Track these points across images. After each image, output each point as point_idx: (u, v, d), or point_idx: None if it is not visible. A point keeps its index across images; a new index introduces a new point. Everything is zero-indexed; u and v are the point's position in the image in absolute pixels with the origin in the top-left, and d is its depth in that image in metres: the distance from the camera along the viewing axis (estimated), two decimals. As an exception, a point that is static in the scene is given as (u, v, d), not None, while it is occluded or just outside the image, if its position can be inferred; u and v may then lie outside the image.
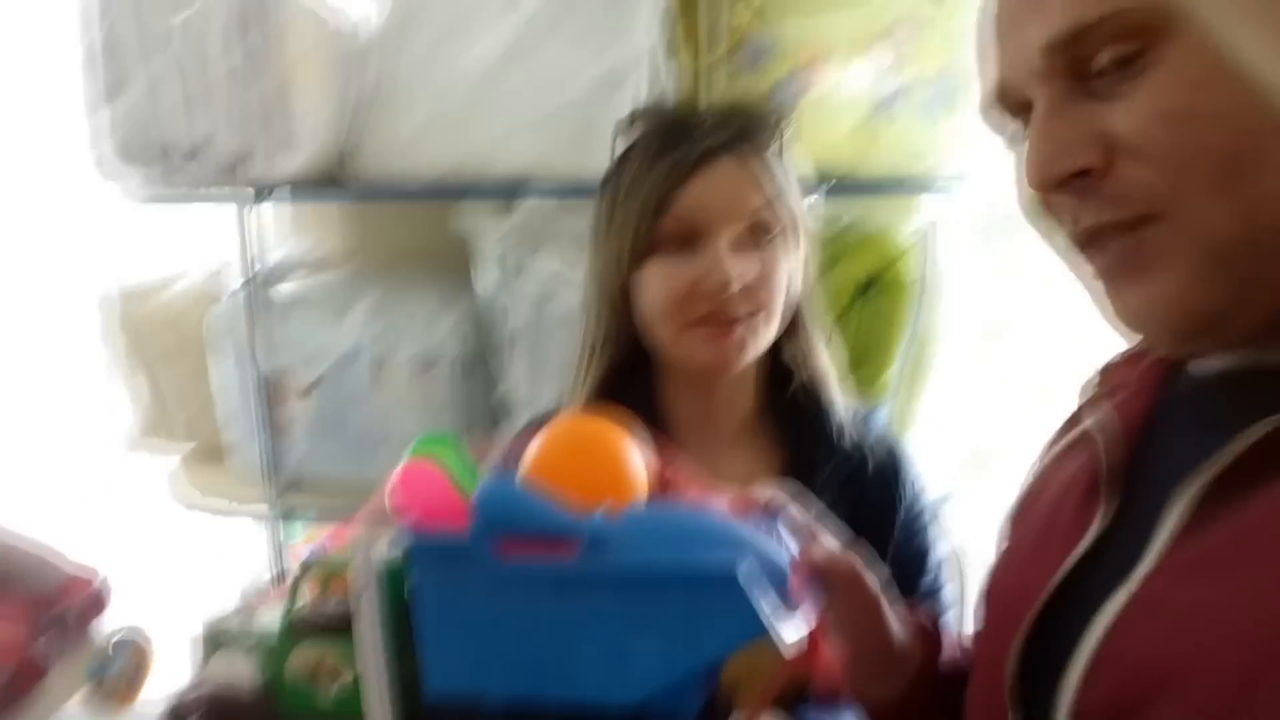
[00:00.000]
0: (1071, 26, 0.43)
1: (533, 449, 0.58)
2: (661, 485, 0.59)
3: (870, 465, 0.82)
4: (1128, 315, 0.46)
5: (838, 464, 0.81)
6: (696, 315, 0.77)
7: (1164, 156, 0.42)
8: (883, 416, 0.87)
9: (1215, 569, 0.42)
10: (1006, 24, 0.47)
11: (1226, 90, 0.41)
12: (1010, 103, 0.48)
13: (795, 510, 0.62)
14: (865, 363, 1.24)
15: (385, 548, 0.59)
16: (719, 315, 0.77)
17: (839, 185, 1.19)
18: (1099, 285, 0.48)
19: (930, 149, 1.27)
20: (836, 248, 1.22)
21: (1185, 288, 0.43)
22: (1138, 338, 0.48)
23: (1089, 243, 0.46)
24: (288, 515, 1.44)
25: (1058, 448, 0.60)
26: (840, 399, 0.85)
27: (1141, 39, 0.42)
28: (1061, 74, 0.44)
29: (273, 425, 1.40)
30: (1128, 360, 0.58)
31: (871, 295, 1.22)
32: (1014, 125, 0.49)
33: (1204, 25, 0.41)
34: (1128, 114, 0.42)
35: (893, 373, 1.25)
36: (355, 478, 1.38)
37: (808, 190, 0.84)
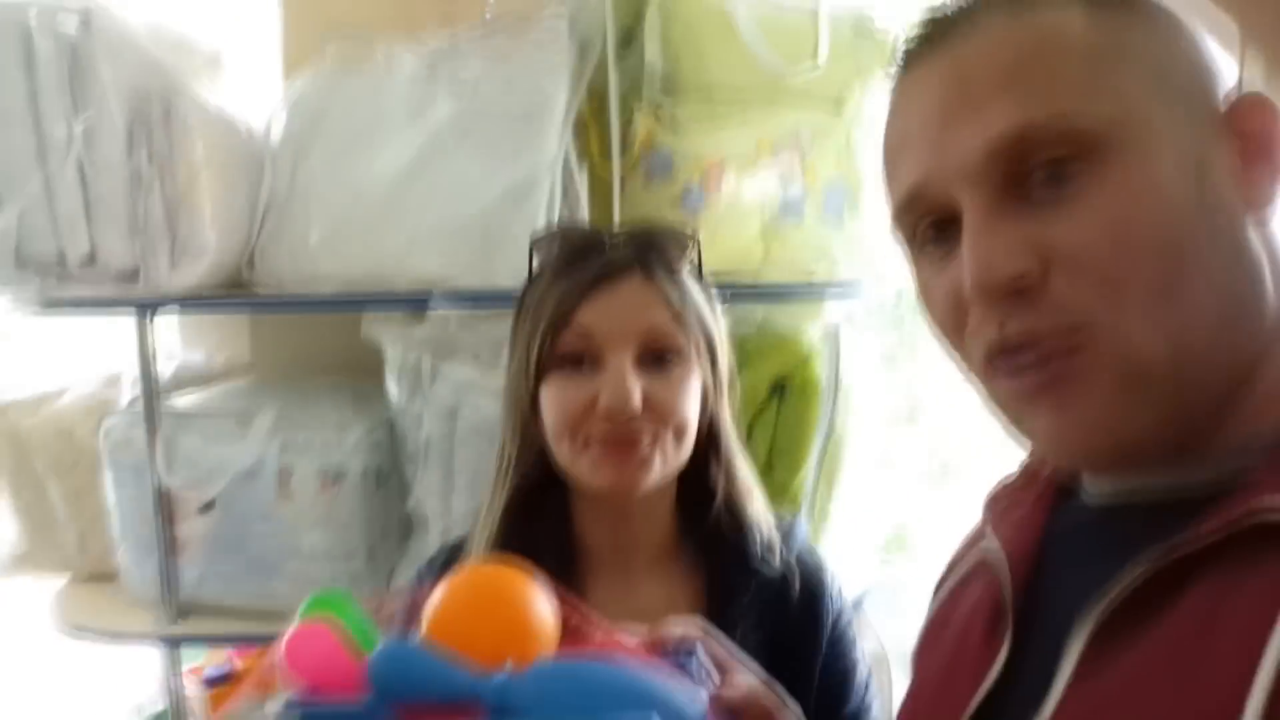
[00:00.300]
0: (1019, 126, 0.42)
1: (432, 604, 0.55)
2: (569, 634, 0.57)
3: (792, 586, 0.81)
4: (1046, 437, 0.45)
5: (759, 587, 0.79)
6: (594, 435, 0.75)
7: (1101, 271, 0.42)
8: (803, 530, 0.87)
9: (1114, 711, 0.42)
10: (933, 126, 0.45)
11: (1164, 211, 0.42)
12: (927, 207, 0.47)
13: (710, 646, 0.61)
14: (780, 465, 1.25)
15: None
16: (619, 435, 0.74)
17: (745, 291, 1.22)
18: (1011, 403, 0.47)
19: (834, 252, 1.31)
20: (745, 352, 1.24)
21: (1108, 411, 0.43)
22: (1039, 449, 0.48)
23: (1012, 354, 0.45)
24: (183, 641, 1.34)
25: (955, 577, 0.60)
26: (764, 515, 0.83)
27: (1083, 148, 0.42)
28: (998, 178, 0.44)
29: (168, 544, 1.32)
30: (1013, 486, 0.59)
31: (784, 398, 1.23)
32: (925, 231, 0.48)
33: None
34: (1067, 226, 0.42)
35: (808, 473, 1.26)
36: (256, 600, 1.31)
37: (716, 301, 0.84)
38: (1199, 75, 0.45)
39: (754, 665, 0.64)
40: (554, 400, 0.77)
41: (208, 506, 1.31)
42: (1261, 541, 0.38)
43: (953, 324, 0.48)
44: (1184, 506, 0.44)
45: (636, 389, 0.74)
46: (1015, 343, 0.44)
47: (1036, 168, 0.43)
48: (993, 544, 0.54)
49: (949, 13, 0.47)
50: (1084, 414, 0.43)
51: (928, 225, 0.48)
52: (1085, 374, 0.43)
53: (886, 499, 1.63)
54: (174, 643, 1.35)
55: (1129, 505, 0.48)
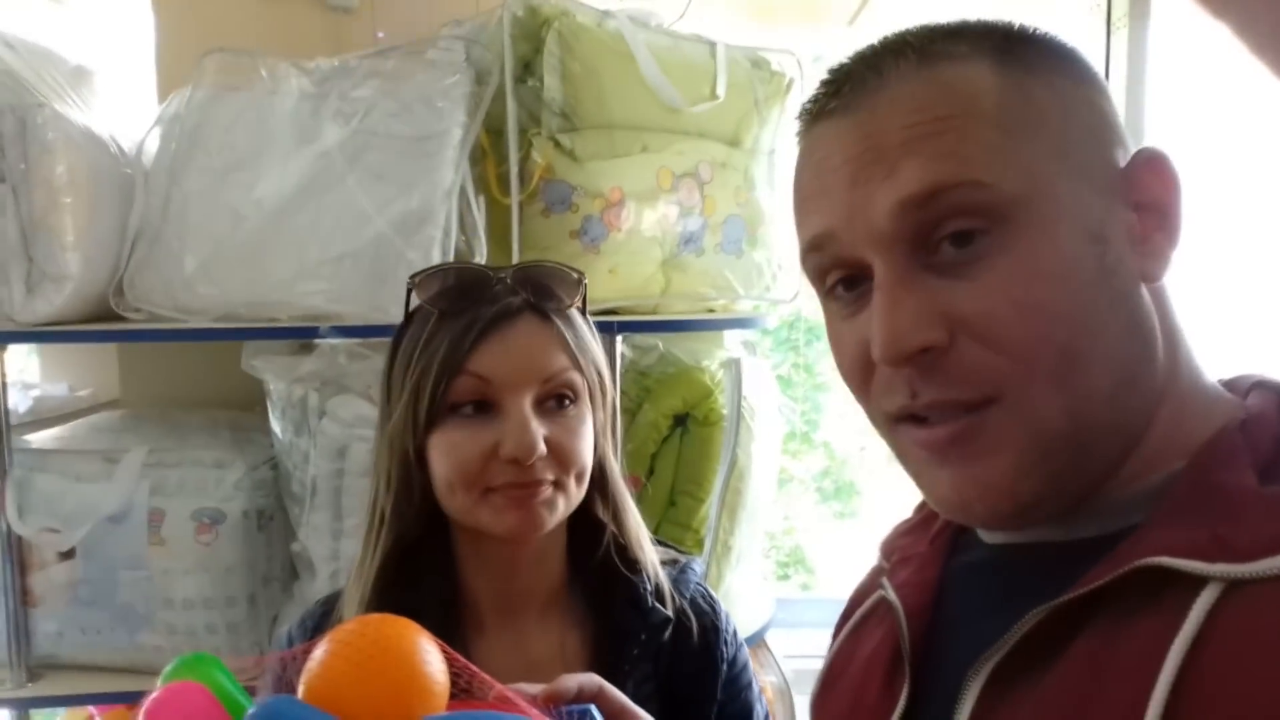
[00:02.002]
0: (929, 188, 0.43)
1: (312, 662, 0.51)
2: (459, 694, 0.54)
3: (687, 626, 0.79)
4: (948, 492, 0.46)
5: (653, 629, 0.77)
6: (496, 482, 0.72)
7: (1008, 343, 0.42)
8: (698, 571, 0.85)
9: None
10: (844, 183, 0.45)
11: (1068, 283, 0.42)
12: (837, 261, 0.47)
13: (605, 703, 0.59)
14: (684, 498, 1.24)
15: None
16: (522, 481, 0.72)
17: (646, 323, 1.21)
18: (914, 459, 0.47)
19: (733, 283, 1.32)
20: (646, 385, 1.23)
21: (1011, 475, 0.44)
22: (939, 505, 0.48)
23: (923, 416, 0.45)
24: (35, 704, 1.23)
25: (853, 621, 0.60)
26: (653, 556, 0.81)
27: (989, 220, 0.43)
28: (905, 240, 0.44)
29: (20, 596, 1.21)
30: (909, 531, 0.59)
31: (686, 430, 1.23)
32: (834, 276, 0.48)
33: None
34: (973, 297, 0.43)
35: (711, 506, 1.25)
36: (122, 654, 1.21)
37: (611, 335, 0.83)
38: (1098, 139, 0.45)
39: (650, 711, 0.63)
40: (449, 450, 0.73)
41: (67, 554, 1.20)
42: (1146, 587, 0.40)
43: (859, 378, 0.48)
44: (1074, 550, 0.45)
45: (540, 434, 0.72)
46: (925, 414, 0.45)
47: (945, 234, 0.43)
48: (890, 594, 0.54)
49: (857, 66, 0.47)
50: (986, 476, 0.44)
51: (838, 279, 0.48)
52: (990, 439, 0.44)
53: (784, 518, 1.64)
54: (24, 705, 1.23)
55: (1023, 547, 0.49)
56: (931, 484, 0.47)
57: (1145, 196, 0.46)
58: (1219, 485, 0.41)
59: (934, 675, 0.49)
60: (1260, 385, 0.48)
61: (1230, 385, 0.49)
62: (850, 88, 0.46)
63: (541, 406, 0.74)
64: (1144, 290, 0.45)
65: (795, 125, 0.50)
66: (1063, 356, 0.42)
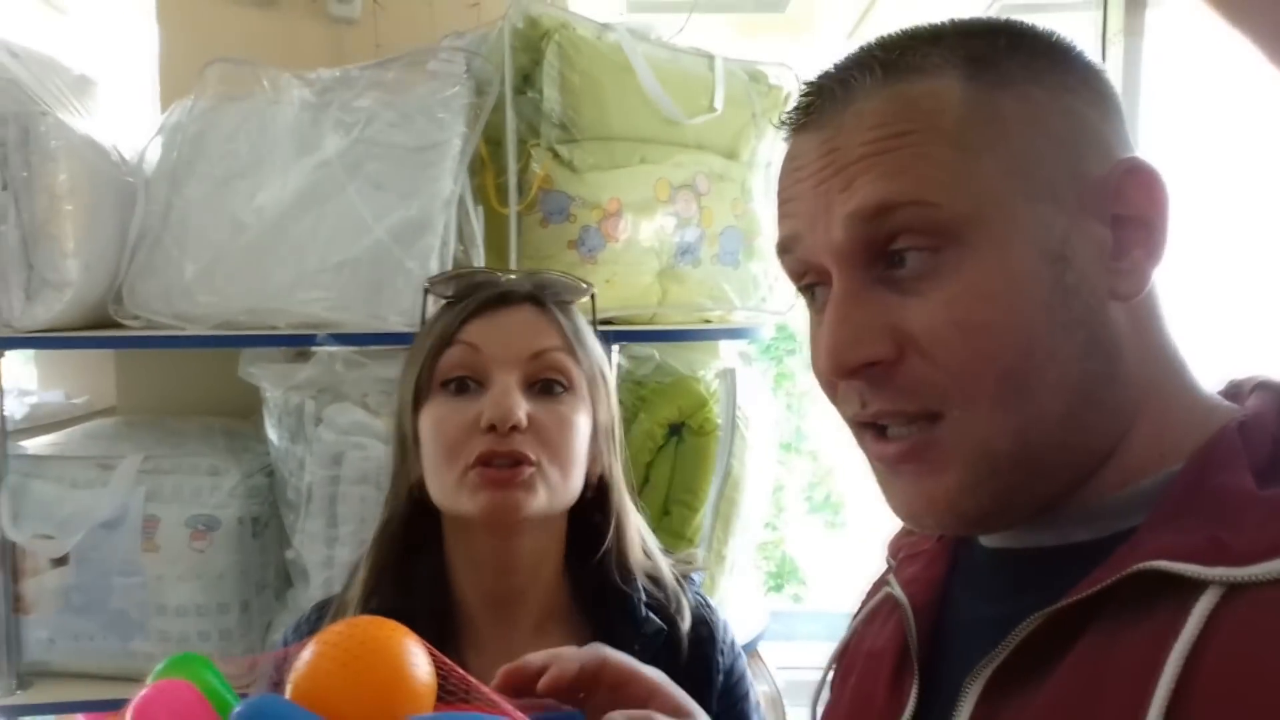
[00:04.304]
0: (877, 203, 0.43)
1: (300, 663, 0.51)
2: (446, 696, 0.54)
3: (682, 642, 0.78)
4: (900, 504, 0.47)
5: (646, 640, 0.77)
6: (476, 454, 0.71)
7: (952, 362, 0.43)
8: (696, 581, 0.85)
9: None
10: (808, 193, 0.46)
11: (1015, 308, 0.43)
12: (803, 266, 0.49)
13: (609, 667, 0.58)
14: (678, 508, 1.24)
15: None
16: (500, 453, 0.71)
17: (642, 333, 1.21)
18: (875, 466, 0.49)
19: (729, 295, 1.33)
20: (642, 395, 1.23)
21: (956, 490, 0.44)
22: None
23: (870, 427, 0.47)
24: (26, 711, 1.22)
25: (860, 616, 0.60)
26: (651, 567, 0.81)
27: (940, 238, 0.43)
28: (859, 252, 0.45)
29: (12, 603, 1.20)
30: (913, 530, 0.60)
31: (681, 439, 1.23)
32: (805, 279, 0.49)
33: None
34: (921, 314, 0.43)
35: (705, 515, 1.25)
36: (114, 661, 1.20)
37: (608, 345, 0.83)
38: (1072, 150, 0.44)
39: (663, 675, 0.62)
40: (435, 425, 0.73)
41: (60, 560, 1.20)
42: (1145, 591, 0.39)
43: (826, 381, 0.49)
44: (1070, 554, 0.45)
45: (522, 405, 0.71)
46: (874, 420, 0.46)
47: (893, 246, 0.44)
48: (897, 591, 0.55)
49: (827, 81, 0.47)
50: (931, 491, 0.45)
51: (807, 281, 0.49)
52: (937, 456, 0.44)
53: (770, 528, 1.64)
54: (14, 713, 1.22)
55: (1019, 551, 0.49)
56: (889, 494, 0.48)
57: (1127, 210, 0.45)
58: (1217, 488, 0.41)
59: (940, 674, 0.49)
60: (1262, 386, 0.47)
61: (1236, 386, 0.49)
62: (820, 102, 0.47)
63: (531, 389, 0.74)
64: (1113, 308, 0.45)
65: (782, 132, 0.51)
66: (1005, 379, 0.43)
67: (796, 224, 0.48)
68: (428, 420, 0.73)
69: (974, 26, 0.46)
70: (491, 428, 0.70)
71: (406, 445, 0.76)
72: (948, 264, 0.43)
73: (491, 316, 0.73)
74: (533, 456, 0.72)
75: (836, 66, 0.48)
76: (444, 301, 0.79)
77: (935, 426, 0.44)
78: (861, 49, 0.48)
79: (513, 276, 0.78)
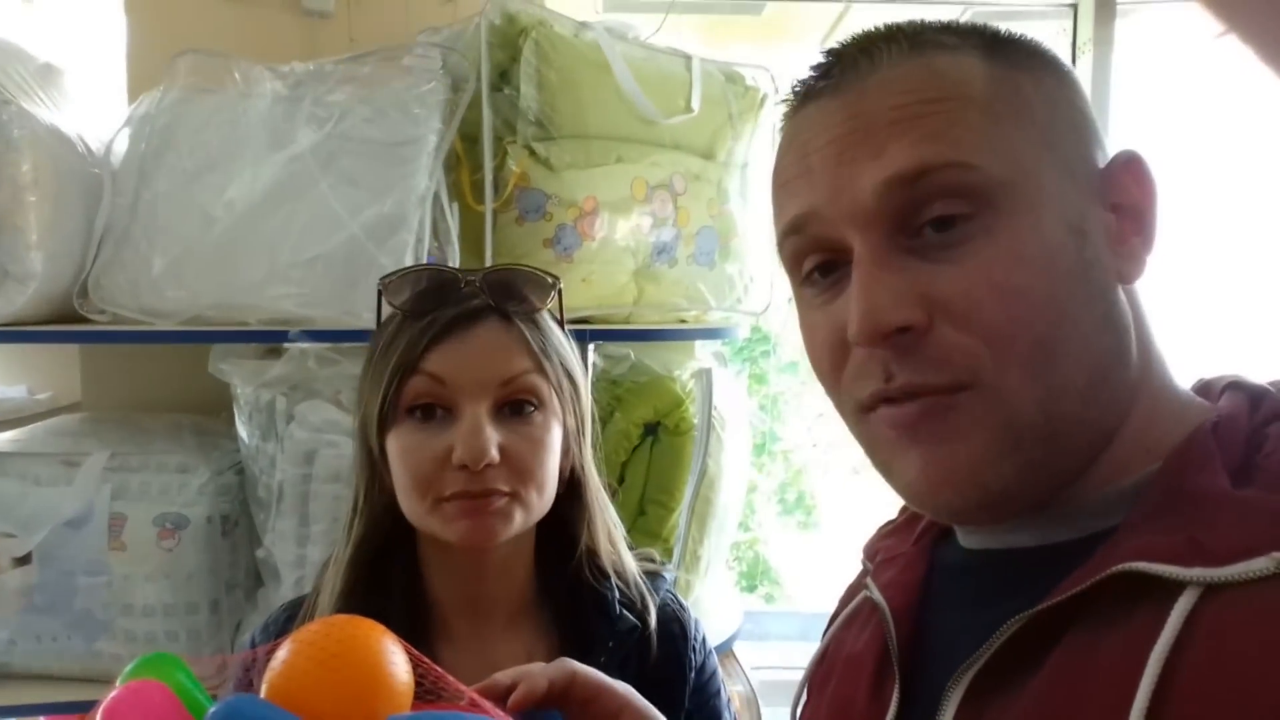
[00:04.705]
0: (915, 168, 0.43)
1: (275, 661, 0.51)
2: (423, 695, 0.54)
3: (653, 639, 0.78)
4: (914, 478, 0.45)
5: (618, 641, 0.77)
6: (448, 491, 0.70)
7: (987, 327, 0.42)
8: (668, 579, 0.85)
9: None
10: (829, 162, 0.45)
11: (1048, 271, 0.43)
12: (815, 243, 0.47)
13: (578, 684, 0.58)
14: (654, 508, 1.24)
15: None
16: (474, 490, 0.70)
17: (618, 332, 1.21)
18: (883, 446, 0.47)
19: (705, 295, 1.33)
20: (617, 395, 1.23)
21: (981, 461, 0.43)
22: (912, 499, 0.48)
23: (894, 403, 0.45)
24: (-12, 714, 1.20)
25: (840, 618, 0.60)
26: (626, 567, 0.81)
27: (976, 203, 0.43)
28: (890, 222, 0.44)
29: (-27, 604, 1.18)
30: (892, 532, 0.60)
31: (657, 439, 1.23)
32: (811, 261, 0.48)
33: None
34: (955, 280, 0.43)
35: (680, 516, 1.26)
36: (79, 663, 1.18)
37: (583, 344, 0.82)
38: (1079, 136, 0.46)
39: (632, 690, 0.62)
40: (404, 455, 0.71)
41: (23, 559, 1.18)
42: (1124, 593, 0.40)
43: (831, 363, 0.48)
44: (1049, 556, 0.45)
45: (494, 440, 0.70)
46: (899, 397, 0.45)
47: (928, 215, 0.43)
48: (875, 594, 0.55)
49: (848, 49, 0.47)
50: (954, 459, 0.44)
51: (815, 264, 0.48)
52: (961, 422, 0.43)
53: (749, 528, 1.65)
54: (-25, 716, 1.20)
55: (999, 553, 0.49)
56: (902, 469, 0.46)
57: (1123, 199, 0.46)
58: (1193, 489, 0.41)
59: (920, 680, 0.49)
60: (1234, 386, 0.48)
61: (1206, 386, 0.50)
62: (841, 70, 0.46)
63: (500, 414, 0.72)
64: (1120, 289, 0.46)
65: (781, 109, 0.50)
66: (1039, 345, 0.42)
67: (812, 198, 0.46)
68: (395, 447, 0.72)
69: (975, 25, 0.48)
70: (464, 465, 0.69)
71: (375, 463, 0.75)
72: (981, 229, 0.43)
73: (456, 341, 0.71)
74: (507, 489, 0.71)
75: (856, 38, 0.48)
76: (399, 306, 0.75)
77: (964, 397, 0.43)
78: (879, 26, 0.47)
79: (472, 278, 0.75)
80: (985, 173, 0.43)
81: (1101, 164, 0.47)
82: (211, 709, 0.48)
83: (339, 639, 0.51)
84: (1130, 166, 0.47)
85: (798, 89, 0.49)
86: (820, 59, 0.48)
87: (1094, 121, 0.48)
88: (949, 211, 0.43)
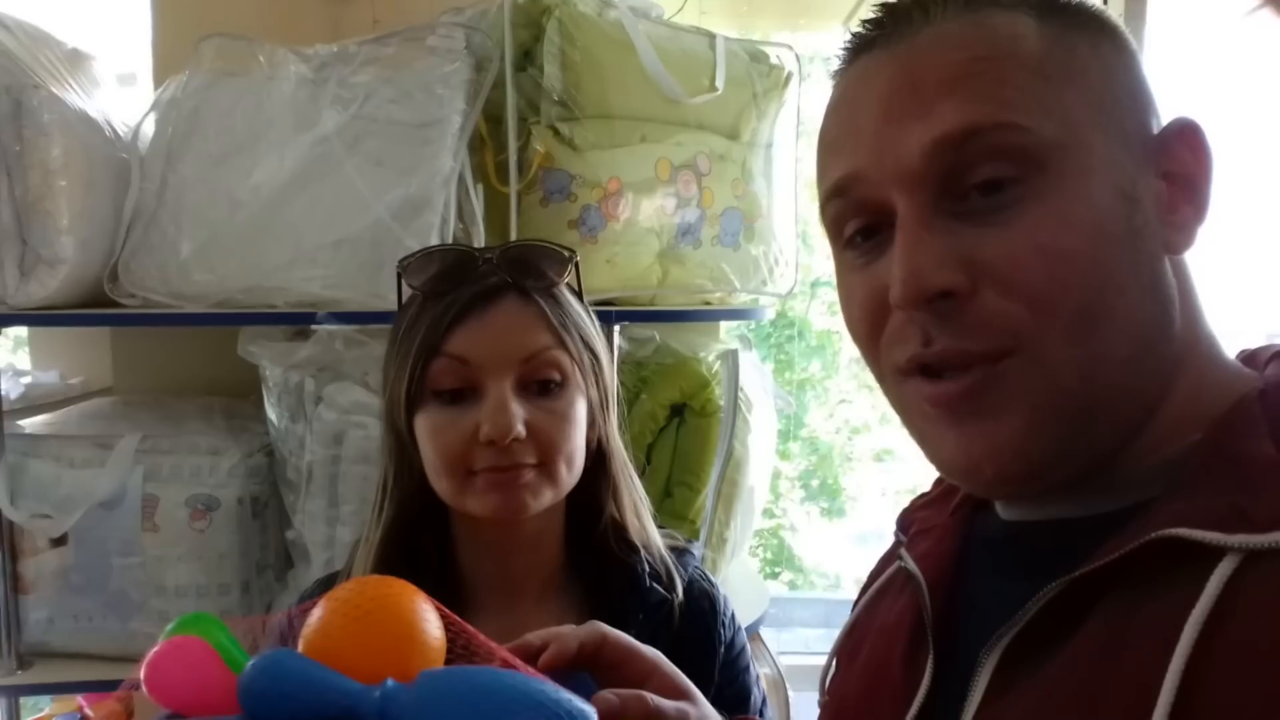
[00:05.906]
0: (964, 128, 0.42)
1: (313, 619, 0.51)
2: (456, 654, 0.54)
3: (684, 610, 0.78)
4: (955, 454, 0.45)
5: (648, 614, 0.77)
6: (478, 466, 0.71)
7: (1031, 291, 0.41)
8: (697, 554, 0.85)
9: None
10: (877, 120, 0.45)
11: (1096, 237, 0.42)
12: (859, 205, 0.46)
13: (609, 646, 0.58)
14: (680, 489, 1.24)
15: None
16: (503, 464, 0.71)
17: (643, 313, 1.21)
18: (920, 415, 0.46)
19: (730, 276, 1.32)
20: (643, 376, 1.23)
21: (1022, 433, 0.43)
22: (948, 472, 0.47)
23: (936, 369, 0.44)
24: (26, 691, 1.21)
25: (872, 590, 0.60)
26: (652, 540, 0.81)
27: (1024, 165, 0.42)
28: (936, 183, 0.43)
29: (11, 583, 1.19)
30: (928, 504, 0.59)
31: (683, 420, 1.23)
32: (853, 225, 0.47)
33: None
34: (1001, 243, 0.42)
35: (707, 497, 1.25)
36: (113, 642, 1.20)
37: (608, 326, 0.81)
38: (1135, 103, 0.45)
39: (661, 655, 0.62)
40: (432, 436, 0.72)
41: (59, 540, 1.19)
42: (1164, 560, 0.39)
43: (869, 326, 0.47)
44: (1090, 525, 0.44)
45: (519, 415, 0.71)
46: (938, 362, 0.44)
47: (975, 178, 0.42)
48: (910, 565, 0.54)
49: (904, 3, 0.46)
50: (996, 434, 0.43)
51: (857, 227, 0.47)
52: (1002, 395, 0.43)
53: (773, 515, 1.65)
54: (14, 693, 1.22)
55: (1039, 524, 0.49)
56: (938, 444, 0.46)
57: (1176, 167, 0.45)
58: (1238, 455, 0.40)
59: (955, 648, 0.49)
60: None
61: (1252, 355, 0.49)
62: (894, 23, 0.46)
63: (524, 390, 0.73)
64: (1167, 259, 0.45)
65: (834, 65, 0.49)
66: (1083, 310, 0.42)
67: (857, 160, 0.45)
68: (424, 428, 0.73)
69: None
70: (491, 441, 0.70)
71: (405, 444, 0.76)
72: (1029, 193, 0.42)
73: (476, 320, 0.72)
74: (534, 463, 0.72)
75: None
76: (418, 288, 0.76)
77: (1000, 365, 0.42)
78: None
79: (490, 257, 0.75)
80: (1035, 134, 0.42)
81: (1155, 132, 0.46)
82: (250, 661, 0.48)
83: (373, 596, 0.51)
84: (1185, 134, 0.45)
85: (848, 44, 0.48)
86: (875, 11, 0.47)
87: (1150, 90, 0.46)
88: (997, 175, 0.42)
